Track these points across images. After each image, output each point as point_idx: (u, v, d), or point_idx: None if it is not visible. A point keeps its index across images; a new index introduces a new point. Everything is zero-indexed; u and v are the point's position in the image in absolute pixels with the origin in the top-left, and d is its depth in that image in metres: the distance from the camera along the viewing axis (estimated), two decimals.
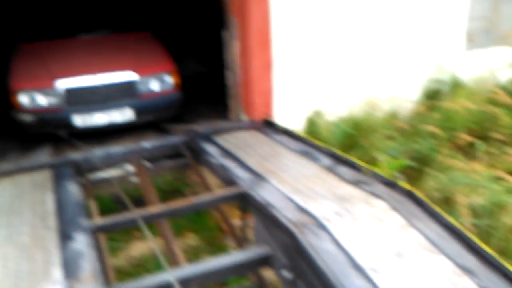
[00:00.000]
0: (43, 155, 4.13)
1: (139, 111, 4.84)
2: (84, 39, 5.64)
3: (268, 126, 3.91)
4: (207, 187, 3.52)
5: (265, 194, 2.60)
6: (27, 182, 3.15)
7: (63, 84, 4.57)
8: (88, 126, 4.70)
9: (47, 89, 4.57)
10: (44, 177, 3.22)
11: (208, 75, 7.53)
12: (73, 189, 2.96)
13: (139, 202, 4.17)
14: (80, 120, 4.65)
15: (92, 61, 4.94)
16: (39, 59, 4.99)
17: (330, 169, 2.89)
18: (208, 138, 3.68)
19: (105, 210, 3.95)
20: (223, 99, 4.82)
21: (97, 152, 3.64)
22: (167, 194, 4.24)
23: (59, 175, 3.22)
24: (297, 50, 4.19)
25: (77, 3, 6.04)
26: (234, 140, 3.58)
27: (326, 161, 3.04)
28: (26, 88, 4.57)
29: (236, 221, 3.42)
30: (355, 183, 2.67)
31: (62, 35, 5.68)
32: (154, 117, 5.03)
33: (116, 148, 3.71)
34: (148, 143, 3.75)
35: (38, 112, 4.59)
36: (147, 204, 3.35)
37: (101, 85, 4.66)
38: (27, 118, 4.60)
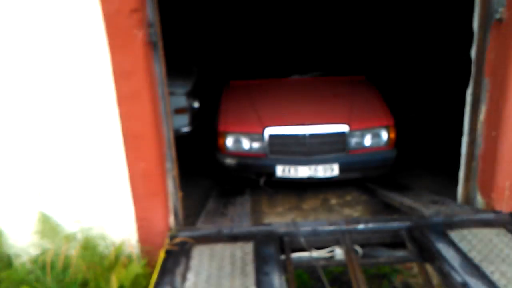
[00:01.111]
0: (244, 209, 3.83)
1: (344, 167, 4.27)
2: (295, 80, 5.29)
3: None
4: None
5: None
6: (226, 258, 2.82)
7: (270, 131, 4.25)
8: (287, 177, 4.30)
9: (254, 135, 4.31)
10: (245, 253, 2.86)
11: (427, 126, 6.65)
12: (276, 283, 2.50)
13: (338, 281, 3.63)
14: (281, 170, 4.27)
15: (302, 109, 4.52)
16: (249, 100, 4.78)
17: None
18: (441, 232, 2.90)
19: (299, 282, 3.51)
20: (449, 165, 3.93)
21: (303, 226, 3.17)
22: (372, 279, 3.58)
23: (261, 254, 2.82)
24: None
25: (291, 42, 5.78)
26: (480, 245, 2.73)
27: None
28: (234, 131, 4.39)
29: None
30: None
31: (273, 73, 5.44)
32: (360, 175, 4.42)
33: (324, 224, 3.18)
34: (362, 224, 3.14)
35: (242, 156, 4.37)
36: None
37: (309, 135, 4.21)
38: (230, 161, 4.40)
